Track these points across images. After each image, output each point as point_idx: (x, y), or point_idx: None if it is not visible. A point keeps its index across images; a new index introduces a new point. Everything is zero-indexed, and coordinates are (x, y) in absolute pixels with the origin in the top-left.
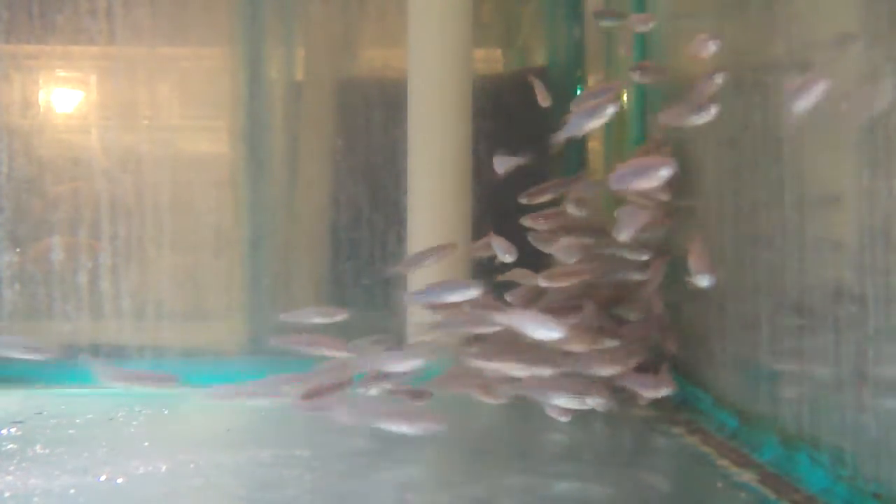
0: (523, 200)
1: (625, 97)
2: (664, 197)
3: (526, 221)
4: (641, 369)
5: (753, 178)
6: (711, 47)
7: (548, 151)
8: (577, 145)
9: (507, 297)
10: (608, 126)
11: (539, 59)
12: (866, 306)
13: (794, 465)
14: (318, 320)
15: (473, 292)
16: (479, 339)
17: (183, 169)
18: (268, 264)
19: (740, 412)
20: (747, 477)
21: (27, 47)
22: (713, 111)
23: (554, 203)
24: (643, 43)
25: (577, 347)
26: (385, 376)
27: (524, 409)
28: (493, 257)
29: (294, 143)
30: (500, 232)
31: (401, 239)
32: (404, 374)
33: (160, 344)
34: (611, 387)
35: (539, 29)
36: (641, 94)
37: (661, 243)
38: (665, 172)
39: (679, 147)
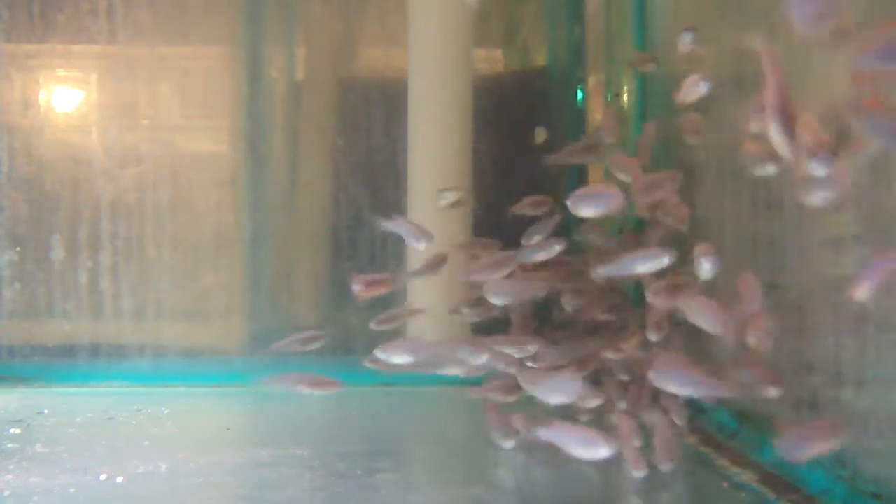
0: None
1: (625, 98)
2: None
3: None
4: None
5: (754, 179)
6: (702, 88)
7: (548, 152)
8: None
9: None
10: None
11: (539, 59)
12: (866, 307)
13: (794, 465)
14: None
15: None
16: None
17: (183, 169)
18: (268, 264)
19: (740, 412)
20: (747, 477)
21: (27, 46)
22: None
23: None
24: (643, 43)
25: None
26: None
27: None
28: None
29: (294, 142)
30: (500, 232)
31: (401, 239)
32: None
33: (160, 344)
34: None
35: (539, 29)
36: (641, 96)
37: None
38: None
39: (679, 149)
